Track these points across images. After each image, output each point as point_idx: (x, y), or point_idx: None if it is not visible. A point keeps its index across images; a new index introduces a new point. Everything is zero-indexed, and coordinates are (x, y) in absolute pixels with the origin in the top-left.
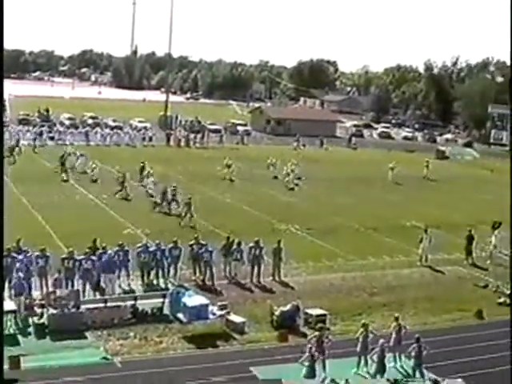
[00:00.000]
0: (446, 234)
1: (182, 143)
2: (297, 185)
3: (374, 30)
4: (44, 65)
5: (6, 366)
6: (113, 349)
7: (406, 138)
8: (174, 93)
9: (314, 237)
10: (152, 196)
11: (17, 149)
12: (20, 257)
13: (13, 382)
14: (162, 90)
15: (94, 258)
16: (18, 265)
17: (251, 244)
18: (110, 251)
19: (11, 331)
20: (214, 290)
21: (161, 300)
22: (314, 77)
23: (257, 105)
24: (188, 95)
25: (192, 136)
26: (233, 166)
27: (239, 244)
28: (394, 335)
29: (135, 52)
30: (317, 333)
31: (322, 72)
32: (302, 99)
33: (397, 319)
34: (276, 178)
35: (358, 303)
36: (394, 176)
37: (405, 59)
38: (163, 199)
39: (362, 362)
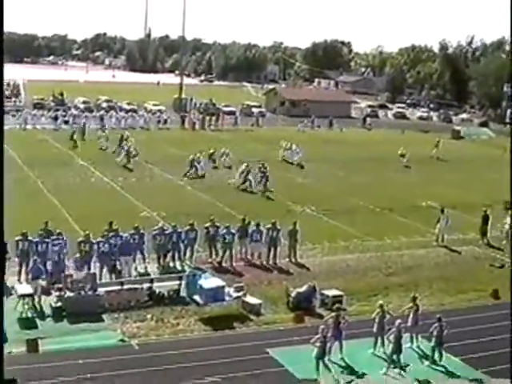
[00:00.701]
0: (461, 214)
1: (197, 126)
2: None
3: (389, 9)
4: (57, 49)
5: (23, 349)
6: (130, 331)
7: (421, 118)
8: (188, 75)
9: (329, 218)
10: None
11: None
12: (36, 239)
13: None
14: (176, 72)
15: (111, 240)
16: (39, 248)
17: (268, 226)
18: (125, 234)
19: (29, 314)
20: (231, 271)
21: (177, 282)
22: (329, 58)
23: (271, 86)
24: (202, 78)
25: (207, 118)
26: None
27: (258, 225)
28: (411, 315)
29: (149, 35)
30: (333, 314)
31: (336, 53)
32: (316, 80)
33: (414, 299)
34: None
35: (374, 284)
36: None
37: (419, 39)
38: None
39: (379, 342)
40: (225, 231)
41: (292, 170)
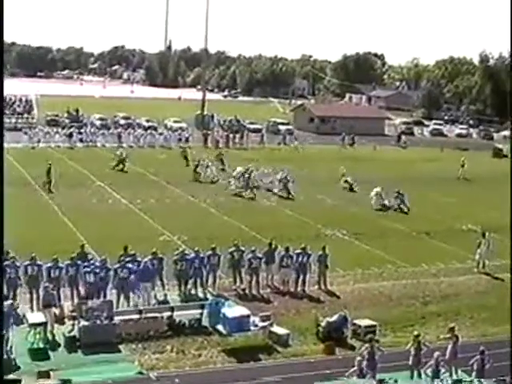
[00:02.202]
0: (504, 239)
1: (221, 144)
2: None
3: (425, 19)
4: (73, 62)
5: (34, 382)
6: (148, 363)
7: (459, 135)
8: (211, 90)
9: (361, 242)
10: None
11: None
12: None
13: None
14: (199, 87)
15: (128, 266)
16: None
17: (298, 250)
18: (145, 259)
19: (40, 345)
20: (257, 299)
21: (199, 311)
22: (360, 71)
23: (299, 102)
24: (226, 93)
25: (231, 136)
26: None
27: (287, 250)
28: (449, 347)
29: (169, 48)
30: (367, 345)
31: (368, 66)
32: (347, 95)
33: (452, 330)
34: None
35: (409, 313)
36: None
37: (458, 50)
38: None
39: (415, 376)
40: (251, 256)
41: (322, 191)
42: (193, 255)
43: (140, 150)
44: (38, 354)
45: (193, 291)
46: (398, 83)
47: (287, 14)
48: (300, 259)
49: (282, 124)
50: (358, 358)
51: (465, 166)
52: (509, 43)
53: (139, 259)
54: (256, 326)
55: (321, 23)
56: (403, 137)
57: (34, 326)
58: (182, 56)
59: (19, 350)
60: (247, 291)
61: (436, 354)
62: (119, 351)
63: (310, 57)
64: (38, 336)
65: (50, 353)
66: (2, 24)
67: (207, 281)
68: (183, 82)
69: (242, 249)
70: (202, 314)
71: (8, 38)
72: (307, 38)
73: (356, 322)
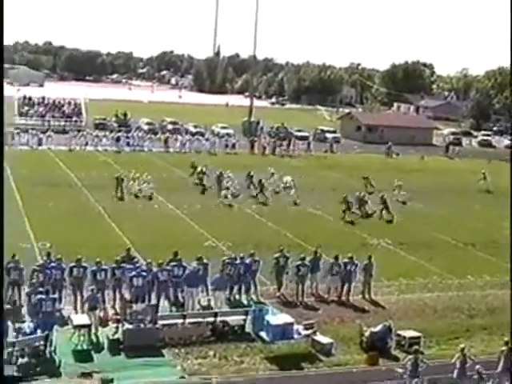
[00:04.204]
0: None
1: (267, 151)
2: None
3: (474, 29)
4: (122, 67)
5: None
6: (191, 368)
7: (508, 146)
8: (259, 97)
9: (406, 252)
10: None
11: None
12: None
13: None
14: (246, 94)
15: (175, 271)
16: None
17: (345, 260)
18: (192, 264)
19: (84, 346)
20: (301, 307)
21: (243, 317)
22: (409, 80)
23: (347, 110)
24: (273, 100)
25: (278, 143)
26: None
27: (336, 258)
28: (502, 360)
29: (218, 54)
30: (411, 356)
31: (417, 75)
32: (395, 104)
33: (507, 343)
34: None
35: (454, 326)
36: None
37: (508, 61)
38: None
39: None
40: (299, 263)
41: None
42: (238, 261)
43: (186, 156)
44: (82, 356)
45: (237, 297)
46: (446, 93)
47: (336, 21)
48: (347, 268)
49: (329, 132)
50: (401, 370)
51: (486, 178)
52: None
53: (185, 264)
54: (299, 334)
55: (370, 31)
56: (451, 147)
57: (79, 327)
58: (230, 62)
59: (63, 350)
60: (291, 298)
61: (477, 367)
62: (162, 355)
63: (359, 65)
64: (82, 338)
65: (94, 355)
66: (2, 24)
67: (250, 287)
68: (231, 88)
69: (287, 255)
70: (245, 320)
71: (57, 42)
72: (356, 46)
73: (400, 332)
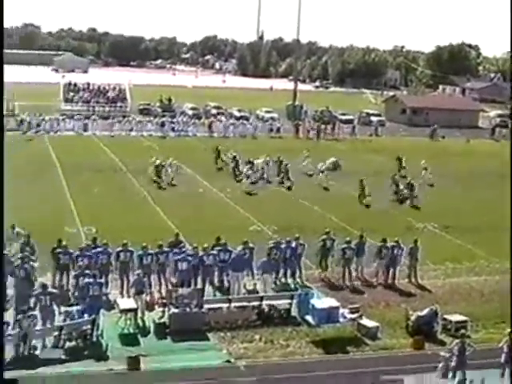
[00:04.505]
0: None
1: (312, 135)
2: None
3: None
4: (165, 52)
5: (124, 366)
6: (236, 352)
7: None
8: (303, 81)
9: (452, 236)
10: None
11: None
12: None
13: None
14: (290, 77)
15: (220, 255)
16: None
17: (391, 243)
18: (237, 249)
19: (130, 330)
20: (346, 291)
21: (288, 301)
22: (454, 62)
23: (391, 93)
24: (317, 83)
25: (322, 127)
26: None
27: (385, 241)
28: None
29: (261, 38)
30: (457, 340)
31: (462, 57)
32: (440, 87)
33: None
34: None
35: (501, 310)
36: None
37: None
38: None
39: (506, 374)
40: (345, 246)
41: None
42: (284, 245)
43: (231, 140)
44: (129, 340)
45: (283, 280)
46: (492, 75)
47: (380, 3)
48: (394, 252)
49: (374, 115)
50: (447, 354)
51: None
52: None
53: (230, 248)
54: (345, 317)
55: (414, 13)
56: (498, 129)
57: (125, 311)
58: (273, 46)
59: (110, 334)
60: (337, 282)
61: None
62: (208, 339)
63: (403, 47)
64: (128, 322)
65: (140, 338)
66: (1, 24)
67: (295, 271)
68: (275, 72)
69: (333, 237)
70: (291, 304)
71: (101, 28)
72: (400, 28)
73: (446, 316)
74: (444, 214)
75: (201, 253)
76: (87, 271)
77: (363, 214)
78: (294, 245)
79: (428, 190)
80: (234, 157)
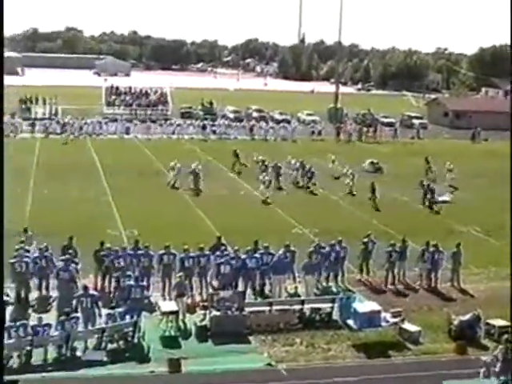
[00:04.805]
0: None
1: (353, 137)
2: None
3: None
4: (207, 55)
5: (165, 369)
6: (277, 355)
7: None
8: (344, 83)
9: (496, 240)
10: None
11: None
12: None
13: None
14: (332, 80)
15: (263, 258)
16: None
17: (431, 248)
18: (279, 251)
19: (172, 333)
20: (388, 294)
21: (330, 305)
22: (497, 64)
23: (433, 96)
24: (359, 86)
25: (364, 130)
26: None
27: (428, 244)
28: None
29: (303, 40)
30: (501, 346)
31: (505, 59)
32: (483, 89)
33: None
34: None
35: None
36: None
37: None
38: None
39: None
40: (390, 249)
41: (458, 187)
42: (326, 248)
43: (272, 143)
44: (170, 342)
45: (325, 284)
46: None
47: (422, 6)
48: (434, 256)
49: (416, 118)
50: (488, 360)
51: None
52: None
53: (272, 252)
54: (387, 321)
55: (457, 15)
56: None
57: (167, 314)
58: (315, 49)
59: (151, 336)
60: (378, 286)
61: None
62: (249, 342)
63: (445, 50)
64: (169, 324)
65: (181, 341)
66: (1, 23)
67: (337, 274)
68: (316, 75)
69: (375, 240)
70: (332, 307)
71: (143, 32)
72: (442, 30)
73: (490, 321)
74: (487, 217)
75: (243, 256)
76: (129, 273)
77: (405, 217)
78: (336, 248)
79: (471, 192)
80: (263, 161)
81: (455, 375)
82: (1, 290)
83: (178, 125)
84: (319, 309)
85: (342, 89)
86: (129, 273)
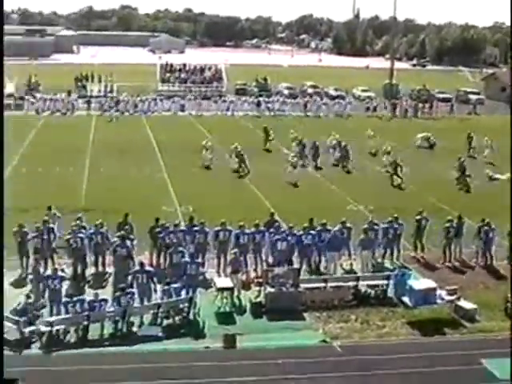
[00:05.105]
0: None
1: (409, 113)
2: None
3: None
4: (261, 32)
5: (220, 344)
6: (332, 332)
7: None
8: (399, 59)
9: None
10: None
11: None
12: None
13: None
14: (386, 56)
15: (321, 234)
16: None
17: (484, 224)
18: (334, 228)
19: (227, 309)
20: (443, 272)
21: (385, 281)
22: None
23: (490, 71)
24: (414, 61)
25: (419, 106)
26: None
27: (483, 221)
28: None
29: (357, 16)
30: None
31: None
32: None
33: None
34: None
35: None
36: None
37: None
38: None
39: None
40: (448, 225)
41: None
42: (383, 225)
43: (326, 120)
44: (225, 318)
45: (380, 261)
46: None
47: None
48: (488, 233)
49: (472, 93)
50: None
51: None
52: None
53: (329, 228)
54: (442, 299)
55: None
56: None
57: (222, 290)
58: (369, 24)
59: (206, 313)
60: (434, 263)
61: None
62: (303, 319)
63: (503, 24)
64: (224, 300)
65: (236, 317)
66: (2, 23)
67: (393, 251)
68: (371, 51)
69: (427, 217)
70: (387, 284)
71: (197, 9)
72: (500, 3)
73: None
74: None
75: (300, 232)
76: (184, 250)
77: (462, 194)
78: (394, 224)
79: None
80: (300, 140)
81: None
82: (1, 286)
83: (232, 101)
84: (374, 285)
85: (397, 64)
86: (183, 249)
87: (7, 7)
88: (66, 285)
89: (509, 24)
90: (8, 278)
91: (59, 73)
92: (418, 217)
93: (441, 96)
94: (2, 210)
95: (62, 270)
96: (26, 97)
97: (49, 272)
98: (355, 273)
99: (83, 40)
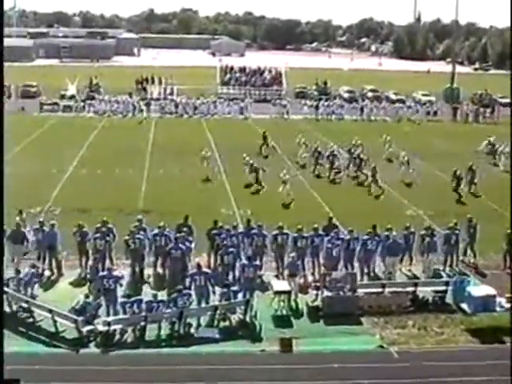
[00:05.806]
0: None
1: (470, 118)
2: None
3: None
4: (321, 35)
5: (277, 348)
6: (389, 337)
7: None
8: (461, 63)
9: None
10: None
11: None
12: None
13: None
14: (448, 60)
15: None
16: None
17: None
18: (394, 233)
19: (284, 312)
20: (502, 279)
21: (443, 288)
22: None
23: None
24: (476, 65)
25: (481, 110)
26: None
27: None
28: None
29: (418, 19)
30: None
31: None
32: None
33: None
34: None
35: None
36: None
37: None
38: None
39: None
40: (510, 231)
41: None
42: (448, 231)
43: (386, 124)
44: (282, 321)
45: (436, 267)
46: None
47: None
48: None
49: None
50: None
51: None
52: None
53: (391, 234)
54: (502, 307)
55: None
56: None
57: (279, 293)
58: (431, 28)
59: (263, 316)
60: (493, 269)
61: None
62: (361, 323)
63: None
64: (281, 304)
65: (293, 321)
66: (2, 23)
67: (452, 257)
68: (432, 55)
69: (475, 223)
70: (446, 291)
71: (257, 12)
72: None
73: None
74: None
75: (365, 237)
76: (242, 252)
77: None
78: (453, 231)
79: None
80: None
81: None
82: (1, 285)
83: (292, 104)
84: (433, 292)
85: (459, 68)
86: (241, 252)
87: (69, 10)
88: (123, 285)
89: None
90: (68, 278)
91: (120, 75)
92: (469, 223)
93: (503, 101)
94: (2, 210)
95: (118, 271)
96: (87, 100)
97: (104, 272)
98: (416, 278)
99: (144, 42)
